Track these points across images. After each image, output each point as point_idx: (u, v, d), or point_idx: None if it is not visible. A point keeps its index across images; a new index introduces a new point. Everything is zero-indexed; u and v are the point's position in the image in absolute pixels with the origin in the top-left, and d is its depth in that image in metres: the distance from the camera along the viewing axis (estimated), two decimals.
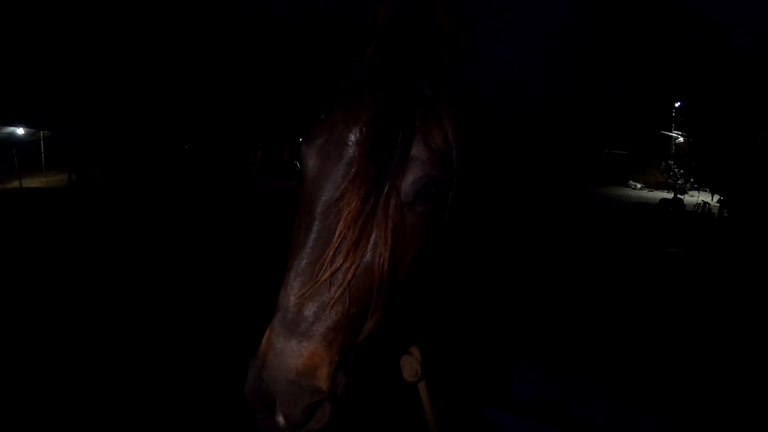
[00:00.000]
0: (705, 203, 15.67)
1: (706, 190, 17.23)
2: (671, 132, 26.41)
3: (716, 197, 14.47)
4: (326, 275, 1.13)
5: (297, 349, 1.10)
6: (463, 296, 1.70)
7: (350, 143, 1.21)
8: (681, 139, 24.85)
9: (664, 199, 19.33)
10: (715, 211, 14.95)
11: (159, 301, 6.07)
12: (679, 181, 22.80)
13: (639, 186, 29.80)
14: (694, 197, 19.12)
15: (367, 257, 1.17)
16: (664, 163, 25.98)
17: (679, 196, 20.33)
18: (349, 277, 1.14)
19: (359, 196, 1.16)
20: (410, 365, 1.40)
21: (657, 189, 27.11)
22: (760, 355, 4.67)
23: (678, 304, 6.36)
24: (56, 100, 24.59)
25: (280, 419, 1.10)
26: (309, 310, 1.12)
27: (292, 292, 1.13)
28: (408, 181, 1.21)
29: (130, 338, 5.03)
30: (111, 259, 8.26)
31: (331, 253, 1.14)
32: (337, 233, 1.15)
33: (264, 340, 1.14)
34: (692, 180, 19.66)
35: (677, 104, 21.85)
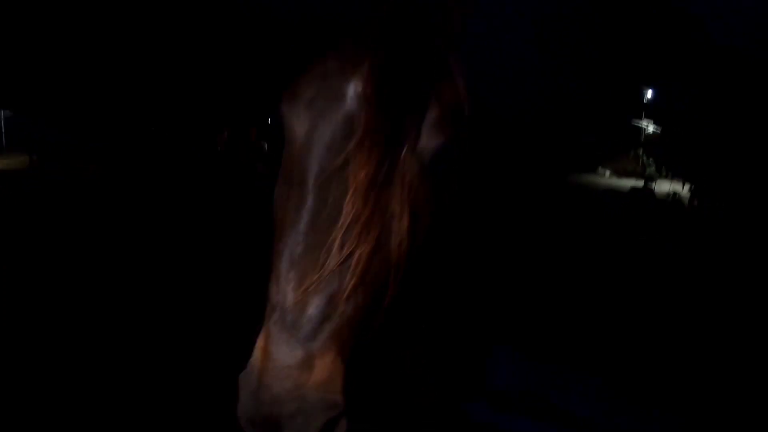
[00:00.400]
0: (675, 193, 15.83)
1: (676, 179, 17.43)
2: (641, 121, 26.70)
3: (687, 186, 14.62)
4: (335, 262, 0.91)
5: (304, 357, 0.89)
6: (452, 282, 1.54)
7: (351, 96, 0.97)
8: (651, 128, 25.14)
9: (634, 188, 19.49)
10: (686, 200, 15.12)
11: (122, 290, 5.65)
12: (648, 170, 23.11)
13: (608, 174, 30.15)
14: (661, 185, 19.37)
15: (383, 237, 0.95)
16: (633, 151, 26.31)
17: (649, 184, 20.58)
18: (363, 263, 0.92)
19: (371, 161, 0.93)
20: None
21: (625, 177, 27.47)
22: (734, 341, 4.81)
23: (654, 291, 6.36)
24: (10, 78, 23.54)
25: None
26: (315, 308, 0.90)
27: (290, 287, 0.91)
28: (430, 142, 0.99)
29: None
30: (73, 245, 7.76)
31: (339, 235, 0.91)
32: (346, 209, 0.92)
33: (257, 351, 0.91)
34: (664, 168, 19.93)
35: (648, 93, 22.06)
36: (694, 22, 16.49)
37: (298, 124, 1.02)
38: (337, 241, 0.91)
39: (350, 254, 0.92)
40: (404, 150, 0.97)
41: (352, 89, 0.97)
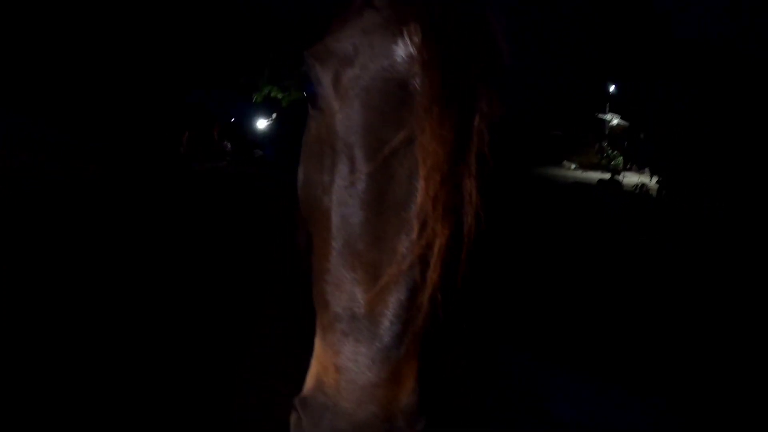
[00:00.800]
0: (643, 184, 15.99)
1: (642, 171, 17.67)
2: (605, 114, 27.07)
3: (655, 178, 14.77)
4: (414, 253, 0.76)
5: (391, 371, 0.73)
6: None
7: (401, 57, 0.80)
8: (615, 122, 25.52)
9: (602, 180, 19.67)
10: (654, 191, 15.27)
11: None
12: (613, 162, 23.44)
13: (573, 167, 30.49)
14: (627, 177, 19.64)
15: (457, 220, 0.82)
16: (598, 144, 26.67)
17: (616, 176, 20.84)
18: (443, 250, 0.78)
19: (445, 133, 0.78)
20: None
21: (591, 170, 27.86)
22: (706, 331, 4.89)
23: (631, 280, 6.39)
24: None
25: None
26: (395, 309, 0.74)
27: (360, 289, 0.75)
28: (492, 111, 0.86)
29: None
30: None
31: (415, 220, 0.77)
32: (422, 189, 0.77)
33: (325, 370, 0.76)
34: (629, 161, 20.20)
35: (612, 88, 22.37)
36: (657, 17, 16.73)
37: (333, 90, 0.84)
38: (415, 227, 0.76)
39: (430, 242, 0.77)
40: (477, 119, 0.83)
41: (402, 49, 0.80)
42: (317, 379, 0.76)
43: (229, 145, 11.64)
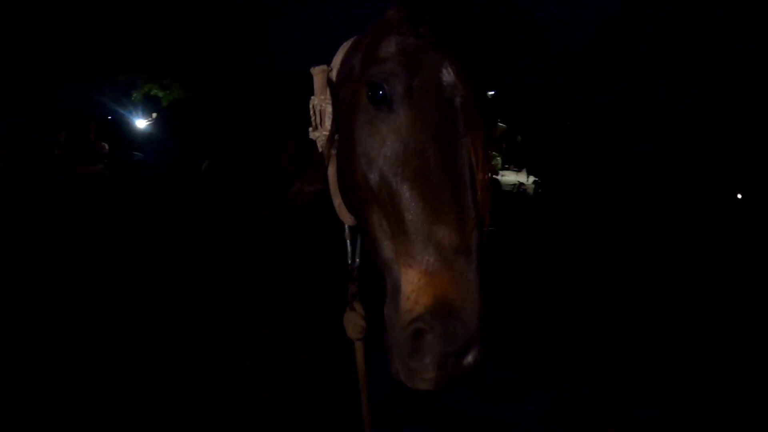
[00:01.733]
0: (521, 183, 17.18)
1: (519, 171, 18.93)
2: None
3: (531, 178, 15.91)
4: (478, 218, 1.03)
5: (481, 286, 0.99)
6: None
7: (449, 76, 1.11)
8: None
9: None
10: (530, 190, 16.46)
11: None
12: (492, 163, 24.87)
13: None
14: (505, 177, 20.95)
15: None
16: None
17: (494, 176, 22.13)
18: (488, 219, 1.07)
19: (488, 134, 1.09)
20: (355, 321, 1.31)
21: None
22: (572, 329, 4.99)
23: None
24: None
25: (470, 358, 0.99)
26: (475, 239, 1.01)
27: (464, 225, 1.01)
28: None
29: None
30: None
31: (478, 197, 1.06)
32: (480, 178, 1.06)
33: (456, 285, 0.97)
34: (507, 162, 21.49)
35: (490, 93, 23.67)
36: (531, 24, 17.83)
37: (407, 96, 1.09)
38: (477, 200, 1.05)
39: (483, 215, 1.05)
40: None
41: (447, 70, 1.11)
42: (447, 297, 0.96)
43: (106, 147, 10.78)
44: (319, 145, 1.35)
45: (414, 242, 1.03)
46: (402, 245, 1.04)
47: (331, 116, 1.32)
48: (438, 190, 1.05)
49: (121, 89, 13.20)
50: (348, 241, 1.33)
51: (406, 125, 1.10)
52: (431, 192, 1.05)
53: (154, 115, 14.91)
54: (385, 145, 1.12)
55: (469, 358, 1.00)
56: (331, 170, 1.31)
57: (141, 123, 14.85)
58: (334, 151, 1.31)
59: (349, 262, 1.34)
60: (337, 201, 1.31)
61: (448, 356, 0.98)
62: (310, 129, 1.38)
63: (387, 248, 1.09)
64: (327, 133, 1.32)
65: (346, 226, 1.32)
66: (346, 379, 1.46)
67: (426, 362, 0.99)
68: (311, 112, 1.37)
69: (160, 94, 13.15)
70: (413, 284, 1.00)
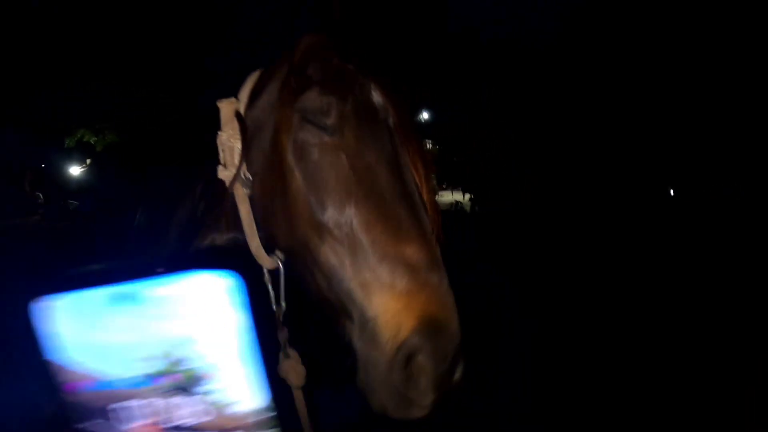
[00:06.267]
0: (458, 202, 17.69)
1: (455, 190, 19.44)
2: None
3: (468, 196, 16.42)
4: (431, 227, 1.07)
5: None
6: None
7: (380, 102, 1.19)
8: (428, 146, 27.72)
9: None
10: (467, 207, 16.96)
11: None
12: None
13: None
14: (443, 197, 21.43)
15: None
16: None
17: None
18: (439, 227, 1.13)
19: (420, 151, 1.18)
20: (295, 368, 1.22)
21: None
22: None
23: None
24: None
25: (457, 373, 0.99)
26: (439, 253, 1.04)
27: (427, 241, 1.02)
28: None
29: None
30: None
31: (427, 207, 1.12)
32: (424, 188, 1.15)
33: (435, 301, 0.96)
34: (443, 182, 21.95)
35: (425, 115, 24.26)
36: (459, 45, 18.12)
37: (341, 121, 1.13)
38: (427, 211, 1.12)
39: (434, 221, 1.12)
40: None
41: (378, 95, 1.19)
42: (431, 313, 0.96)
43: (41, 197, 10.20)
44: (227, 184, 1.25)
45: (381, 266, 0.98)
46: (368, 272, 0.99)
47: (239, 153, 1.22)
48: (394, 209, 1.03)
49: (51, 135, 12.59)
50: (269, 285, 1.23)
51: (349, 147, 1.08)
52: (388, 211, 1.02)
53: (88, 161, 14.33)
54: (329, 170, 1.07)
55: (457, 373, 0.98)
56: (245, 211, 1.22)
57: (75, 170, 14.24)
58: (246, 191, 1.22)
59: (274, 307, 1.24)
60: (255, 244, 1.21)
61: (442, 375, 0.94)
62: (219, 167, 1.27)
63: (348, 279, 1.01)
64: (242, 171, 1.22)
65: (265, 271, 1.22)
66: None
67: (422, 387, 0.94)
68: (219, 149, 1.27)
69: (93, 140, 12.56)
70: (390, 309, 0.95)
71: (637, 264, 8.33)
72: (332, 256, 1.03)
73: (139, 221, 1.67)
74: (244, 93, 1.29)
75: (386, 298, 0.96)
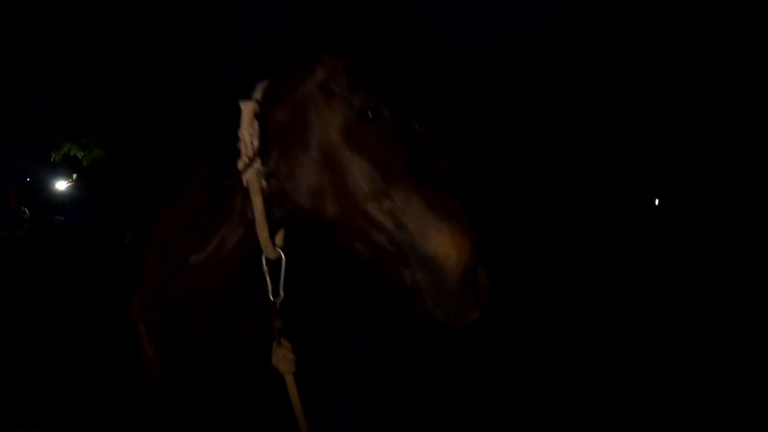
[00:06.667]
0: None
1: None
2: None
3: None
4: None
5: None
6: None
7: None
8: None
9: None
10: None
11: None
12: None
13: None
14: None
15: None
16: None
17: None
18: None
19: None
20: (285, 356, 1.40)
21: None
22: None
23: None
24: None
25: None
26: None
27: (460, 197, 1.30)
28: None
29: None
30: None
31: None
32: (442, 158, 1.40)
33: (473, 233, 1.26)
34: None
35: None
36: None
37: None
38: None
39: None
40: None
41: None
42: (471, 250, 1.25)
43: (27, 212, 9.99)
44: (246, 178, 1.39)
45: (433, 216, 1.25)
46: (424, 222, 1.25)
47: (256, 149, 1.37)
48: (435, 175, 1.31)
49: (37, 149, 12.40)
50: (267, 276, 1.40)
51: (400, 134, 1.34)
52: (431, 178, 1.30)
53: (75, 175, 14.20)
54: (387, 152, 1.32)
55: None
56: (258, 203, 1.38)
57: (61, 185, 14.07)
58: (264, 183, 1.39)
59: (271, 297, 1.40)
60: (264, 235, 1.38)
61: (489, 283, 1.29)
62: (240, 162, 1.40)
63: (408, 231, 1.26)
64: (258, 166, 1.38)
65: (264, 261, 1.40)
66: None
67: (482, 294, 1.27)
68: (241, 145, 1.40)
69: (80, 154, 12.39)
70: (446, 245, 1.23)
71: (638, 264, 8.35)
72: (392, 217, 1.27)
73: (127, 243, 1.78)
74: (258, 95, 1.43)
75: (441, 238, 1.23)
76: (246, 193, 1.40)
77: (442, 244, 1.23)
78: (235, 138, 1.40)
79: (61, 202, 13.66)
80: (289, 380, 1.42)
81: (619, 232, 11.73)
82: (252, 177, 1.37)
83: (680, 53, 13.80)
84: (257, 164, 1.37)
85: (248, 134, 1.37)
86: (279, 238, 1.50)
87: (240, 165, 1.39)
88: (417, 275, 1.26)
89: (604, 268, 8.00)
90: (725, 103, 13.53)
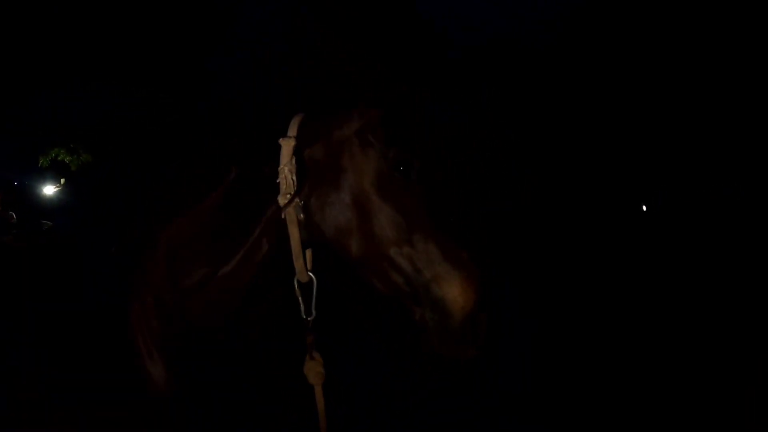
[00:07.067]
0: None
1: None
2: None
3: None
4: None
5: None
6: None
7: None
8: None
9: None
10: None
11: None
12: None
13: None
14: None
15: None
16: None
17: None
18: None
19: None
20: (315, 369, 1.54)
21: None
22: None
23: None
24: None
25: None
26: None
27: (471, 248, 1.44)
28: None
29: None
30: None
31: None
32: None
33: (478, 284, 1.40)
34: None
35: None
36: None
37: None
38: None
39: None
40: None
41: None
42: (477, 296, 1.40)
43: (14, 216, 9.97)
44: (284, 212, 1.48)
45: (445, 264, 1.39)
46: (437, 269, 1.39)
47: (294, 184, 1.47)
48: (451, 227, 1.44)
49: (25, 153, 12.34)
50: (300, 298, 1.54)
51: (426, 189, 1.47)
52: (447, 230, 1.43)
53: (63, 180, 14.17)
54: (412, 204, 1.44)
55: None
56: (295, 233, 1.49)
57: (49, 189, 14.03)
58: (301, 216, 1.49)
59: (304, 316, 1.54)
60: (300, 262, 1.51)
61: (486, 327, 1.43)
62: (279, 197, 1.49)
63: (422, 275, 1.39)
64: (297, 200, 1.48)
65: (296, 284, 1.54)
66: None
67: (480, 335, 1.41)
68: (281, 180, 1.49)
69: (68, 159, 12.31)
70: (454, 291, 1.38)
71: (638, 263, 8.34)
72: (411, 262, 1.40)
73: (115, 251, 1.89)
74: (293, 131, 1.52)
75: (451, 285, 1.38)
76: (281, 223, 1.50)
77: (452, 290, 1.38)
78: (272, 171, 1.50)
79: (49, 207, 13.43)
80: (318, 390, 1.57)
81: (620, 231, 11.76)
82: (291, 210, 1.48)
83: (680, 53, 13.79)
84: (297, 199, 1.47)
85: (288, 170, 1.47)
86: (308, 261, 1.60)
87: (281, 201, 1.48)
88: (426, 314, 1.40)
89: (604, 268, 8.02)
90: (725, 103, 13.53)
